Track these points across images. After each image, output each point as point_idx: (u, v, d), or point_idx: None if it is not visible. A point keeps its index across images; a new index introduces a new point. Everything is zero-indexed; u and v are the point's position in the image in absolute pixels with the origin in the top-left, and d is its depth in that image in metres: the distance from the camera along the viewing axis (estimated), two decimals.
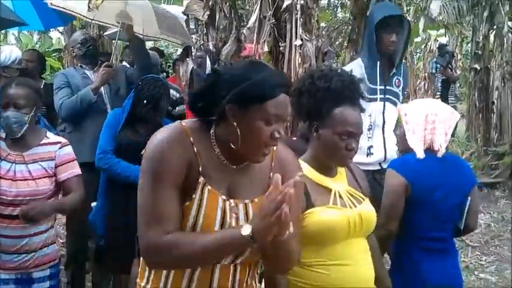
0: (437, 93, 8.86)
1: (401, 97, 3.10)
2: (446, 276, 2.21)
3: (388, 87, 3.01)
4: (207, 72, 7.37)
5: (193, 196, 1.37)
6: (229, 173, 1.43)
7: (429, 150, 2.20)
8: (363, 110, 1.89)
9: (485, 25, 7.97)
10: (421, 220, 2.17)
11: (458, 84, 10.83)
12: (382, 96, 2.98)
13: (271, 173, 1.46)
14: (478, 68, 8.24)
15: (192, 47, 5.90)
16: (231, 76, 1.39)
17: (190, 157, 1.39)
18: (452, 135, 8.64)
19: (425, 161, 2.18)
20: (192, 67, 5.68)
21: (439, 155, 2.19)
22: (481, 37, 8.09)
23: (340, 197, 1.85)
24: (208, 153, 1.41)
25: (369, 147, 2.96)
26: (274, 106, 1.35)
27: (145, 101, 2.98)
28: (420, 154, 2.19)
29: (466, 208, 2.23)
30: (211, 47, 5.30)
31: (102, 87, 3.53)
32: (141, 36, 4.01)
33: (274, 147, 1.45)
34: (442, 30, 12.91)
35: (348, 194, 1.88)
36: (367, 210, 1.87)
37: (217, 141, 1.43)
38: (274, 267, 1.56)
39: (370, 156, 2.96)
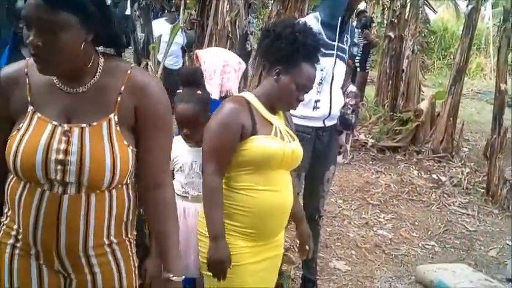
0: (357, 57, 9.06)
1: (347, 55, 3.14)
2: None
3: (339, 44, 3.02)
4: (125, 13, 6.92)
5: (21, 126, 1.38)
6: (67, 97, 1.41)
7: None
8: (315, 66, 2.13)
9: None
10: None
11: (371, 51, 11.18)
12: (335, 52, 3.00)
13: (119, 98, 1.43)
14: (392, 36, 8.54)
15: None
16: None
17: (21, 87, 1.42)
18: (362, 99, 9.02)
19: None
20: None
21: None
22: (398, 6, 8.35)
23: (280, 132, 2.07)
24: (43, 82, 1.41)
25: (316, 101, 2.98)
26: None
27: None
28: (216, 96, 2.68)
29: None
30: None
31: None
32: None
33: (129, 71, 1.44)
34: None
35: (286, 131, 2.11)
36: (298, 148, 2.12)
37: None
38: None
39: (316, 110, 2.99)
